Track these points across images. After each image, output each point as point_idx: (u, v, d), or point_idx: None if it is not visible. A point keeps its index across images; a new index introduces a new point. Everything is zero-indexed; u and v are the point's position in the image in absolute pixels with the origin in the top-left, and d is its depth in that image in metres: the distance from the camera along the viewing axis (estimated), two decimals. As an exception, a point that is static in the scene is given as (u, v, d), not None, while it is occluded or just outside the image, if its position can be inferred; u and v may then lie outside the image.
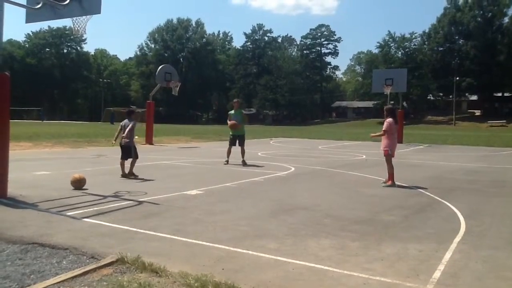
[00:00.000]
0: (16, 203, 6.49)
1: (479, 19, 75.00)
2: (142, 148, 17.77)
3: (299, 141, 26.87)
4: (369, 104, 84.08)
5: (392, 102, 26.45)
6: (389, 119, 9.21)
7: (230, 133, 12.87)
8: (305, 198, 7.63)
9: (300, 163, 13.37)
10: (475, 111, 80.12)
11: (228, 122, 12.77)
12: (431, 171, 12.17)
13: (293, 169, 11.82)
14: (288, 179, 9.96)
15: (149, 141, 20.63)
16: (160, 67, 20.67)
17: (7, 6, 7.10)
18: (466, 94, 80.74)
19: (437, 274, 3.91)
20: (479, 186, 9.56)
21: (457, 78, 72.20)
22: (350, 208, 6.84)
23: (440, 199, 7.66)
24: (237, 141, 12.72)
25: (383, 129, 9.25)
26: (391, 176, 9.16)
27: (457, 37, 78.99)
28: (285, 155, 16.67)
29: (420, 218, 6.21)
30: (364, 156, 16.58)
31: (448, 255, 4.47)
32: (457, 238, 5.14)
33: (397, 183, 9.13)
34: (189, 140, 25.05)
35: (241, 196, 7.73)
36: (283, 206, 6.82)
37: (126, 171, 9.65)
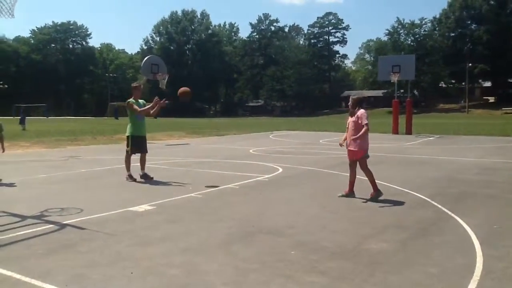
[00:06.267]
0: None
1: (492, 2, 72.36)
2: (123, 147, 16.33)
3: (302, 135, 25.29)
4: (378, 93, 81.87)
5: (402, 90, 24.77)
6: (362, 110, 7.07)
7: (127, 134, 9.05)
8: (278, 214, 6.10)
9: (291, 162, 11.84)
10: (489, 98, 77.62)
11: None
12: (440, 169, 10.53)
13: (280, 170, 10.31)
14: (268, 185, 8.42)
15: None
16: (146, 58, 19.08)
17: None
18: (479, 80, 78.25)
19: None
20: (496, 190, 7.93)
21: (470, 64, 69.75)
22: (331, 229, 5.31)
23: (449, 212, 6.10)
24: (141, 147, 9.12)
25: (365, 122, 6.91)
26: (374, 184, 7.16)
27: (469, 22, 76.53)
28: (279, 152, 15.13)
29: (421, 246, 4.66)
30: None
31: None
32: (472, 284, 3.60)
33: (398, 188, 7.57)
34: (183, 136, 23.63)
35: (199, 212, 6.21)
36: (244, 228, 5.31)
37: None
